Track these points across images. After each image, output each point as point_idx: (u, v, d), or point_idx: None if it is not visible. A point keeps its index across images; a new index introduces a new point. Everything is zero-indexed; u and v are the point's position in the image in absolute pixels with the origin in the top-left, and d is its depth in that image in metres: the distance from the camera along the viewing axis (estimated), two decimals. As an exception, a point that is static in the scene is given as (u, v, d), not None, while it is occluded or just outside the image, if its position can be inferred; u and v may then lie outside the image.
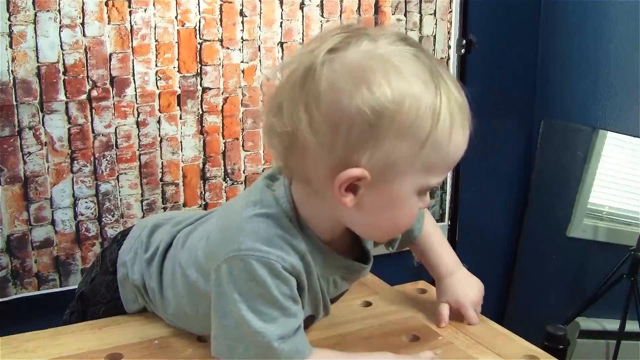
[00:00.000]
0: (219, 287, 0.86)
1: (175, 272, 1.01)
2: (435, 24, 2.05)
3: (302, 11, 1.88)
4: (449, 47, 2.09)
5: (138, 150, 1.77)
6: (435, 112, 0.76)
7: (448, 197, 2.17)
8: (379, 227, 0.86)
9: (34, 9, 1.63)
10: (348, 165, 0.78)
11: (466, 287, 1.13)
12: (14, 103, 1.63)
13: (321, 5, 1.90)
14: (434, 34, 2.06)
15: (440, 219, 2.21)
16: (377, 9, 1.96)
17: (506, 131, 2.40)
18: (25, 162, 1.68)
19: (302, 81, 0.80)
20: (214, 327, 0.88)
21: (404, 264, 2.15)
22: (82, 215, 1.75)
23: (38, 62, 1.64)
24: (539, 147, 2.37)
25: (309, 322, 0.94)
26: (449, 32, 2.08)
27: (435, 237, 1.15)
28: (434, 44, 2.07)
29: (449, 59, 2.09)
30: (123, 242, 1.15)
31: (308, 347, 0.88)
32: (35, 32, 1.64)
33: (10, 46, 1.63)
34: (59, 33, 1.65)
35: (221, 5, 1.79)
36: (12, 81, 1.63)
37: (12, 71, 1.63)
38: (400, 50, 0.79)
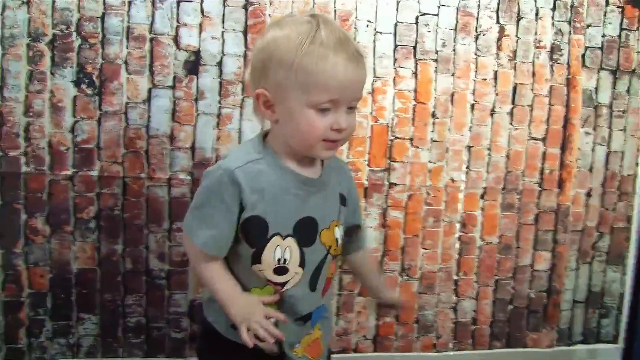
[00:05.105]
0: None
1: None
2: (625, 140, 2.02)
3: (492, 117, 1.92)
4: (637, 164, 2.04)
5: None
6: (300, 47, 1.07)
7: (624, 318, 2.07)
8: (293, 135, 1.13)
9: (242, 94, 1.76)
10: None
11: None
12: (220, 181, 1.75)
13: (511, 113, 1.93)
14: (622, 150, 2.03)
15: (613, 340, 2.11)
16: (567, 121, 1.96)
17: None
18: (216, 236, 1.79)
19: None
20: None
21: None
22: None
23: (240, 143, 1.77)
24: None
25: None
26: (637, 150, 2.04)
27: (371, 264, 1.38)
28: (622, 160, 2.03)
29: (636, 175, 2.04)
30: None
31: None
32: (241, 116, 1.77)
33: (217, 126, 1.77)
34: (265, 120, 1.77)
35: (415, 105, 1.86)
36: (214, 159, 1.77)
37: (215, 149, 1.77)
38: (298, 17, 1.14)
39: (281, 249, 1.16)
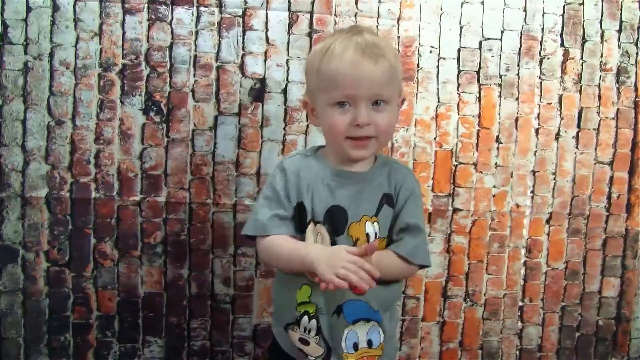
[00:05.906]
0: None
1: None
2: (695, 163, 1.97)
3: (557, 142, 1.89)
4: None
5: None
6: (321, 54, 1.20)
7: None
8: (326, 136, 1.26)
9: (306, 121, 1.78)
10: None
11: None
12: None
13: (576, 137, 1.90)
14: (692, 174, 1.97)
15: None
16: (635, 144, 1.92)
17: None
18: (280, 261, 1.80)
19: None
20: None
21: None
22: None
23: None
24: None
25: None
26: None
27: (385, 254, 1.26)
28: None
29: None
30: None
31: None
32: (306, 142, 1.79)
33: (282, 152, 1.78)
34: (330, 146, 1.78)
35: (479, 130, 1.85)
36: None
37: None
38: (341, 31, 1.26)
39: (313, 235, 1.23)
